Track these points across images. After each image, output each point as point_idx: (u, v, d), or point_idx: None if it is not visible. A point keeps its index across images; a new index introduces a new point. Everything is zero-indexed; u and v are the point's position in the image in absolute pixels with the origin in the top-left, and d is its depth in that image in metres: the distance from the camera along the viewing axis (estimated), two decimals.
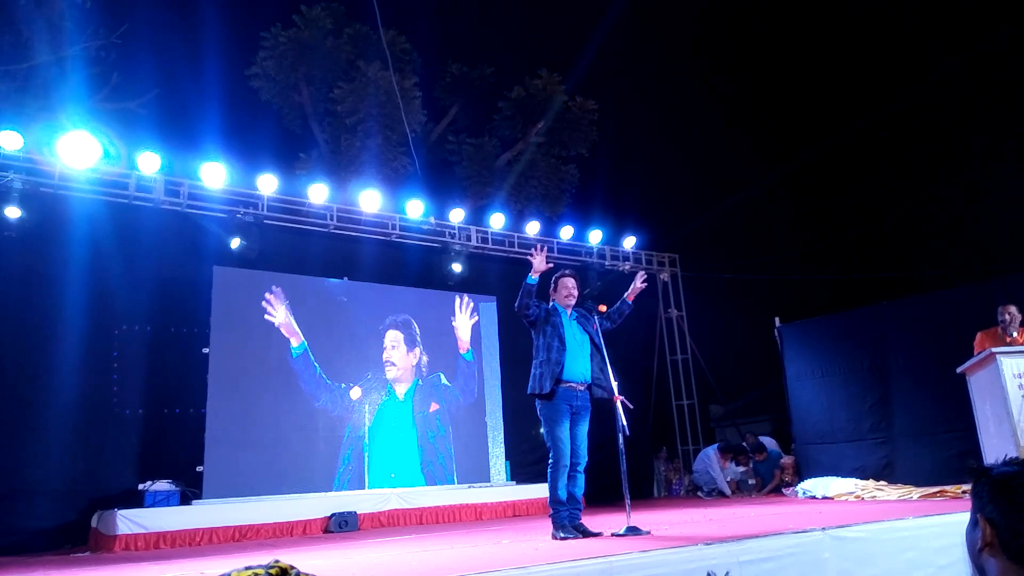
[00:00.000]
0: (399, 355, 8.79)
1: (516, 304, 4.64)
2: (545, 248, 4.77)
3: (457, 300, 9.37)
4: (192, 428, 7.45)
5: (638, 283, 4.91)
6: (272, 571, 2.46)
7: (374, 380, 8.54)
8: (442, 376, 9.03)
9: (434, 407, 8.82)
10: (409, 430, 8.59)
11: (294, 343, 8.14)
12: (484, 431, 9.18)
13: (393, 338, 8.81)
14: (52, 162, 7.49)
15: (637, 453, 10.15)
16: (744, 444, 10.32)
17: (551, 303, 4.80)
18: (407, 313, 8.99)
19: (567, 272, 4.88)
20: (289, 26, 11.56)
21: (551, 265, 4.78)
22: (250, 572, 2.45)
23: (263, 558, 2.64)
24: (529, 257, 4.67)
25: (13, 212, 7.10)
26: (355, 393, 8.34)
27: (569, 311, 4.76)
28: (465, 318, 9.35)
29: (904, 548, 3.65)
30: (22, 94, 9.16)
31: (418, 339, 8.98)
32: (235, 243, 8.19)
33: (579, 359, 4.60)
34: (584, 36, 15.70)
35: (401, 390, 8.69)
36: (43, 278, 7.15)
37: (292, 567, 2.52)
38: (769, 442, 10.25)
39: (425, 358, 8.97)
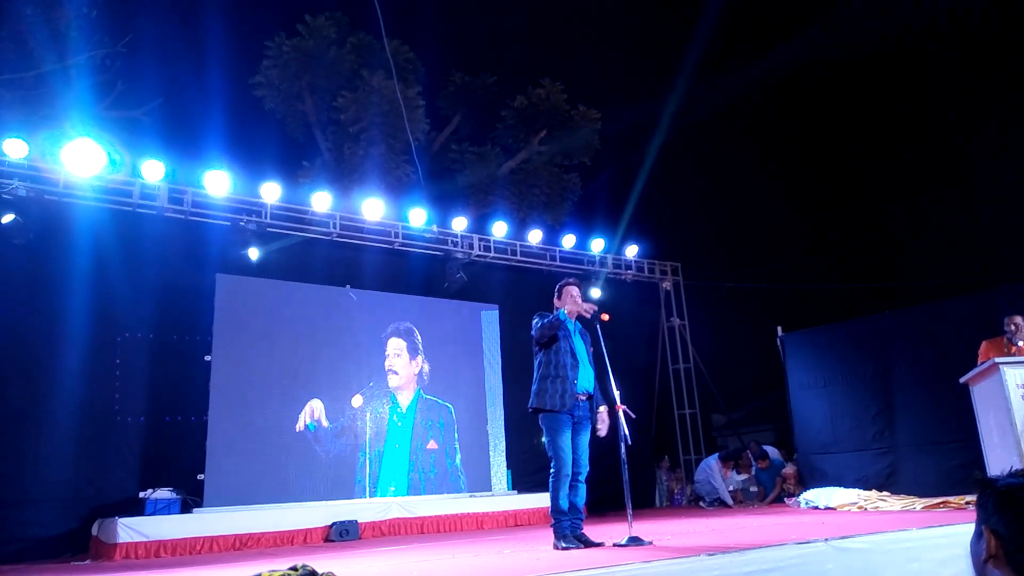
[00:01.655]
0: (402, 364, 8.78)
1: (538, 333, 4.57)
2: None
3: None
4: (194, 436, 7.45)
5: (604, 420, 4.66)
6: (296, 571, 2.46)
7: (376, 389, 8.53)
8: (446, 405, 8.99)
9: (432, 445, 8.73)
10: (410, 443, 8.56)
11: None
12: (485, 440, 9.17)
13: (396, 346, 8.81)
14: (56, 170, 7.52)
15: (639, 463, 10.13)
16: (747, 451, 10.29)
17: (556, 311, 4.77)
18: (409, 321, 8.99)
19: (571, 280, 4.84)
20: (293, 35, 11.63)
21: (592, 309, 4.67)
22: (279, 574, 2.46)
23: (282, 563, 2.64)
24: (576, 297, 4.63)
25: (17, 220, 7.12)
26: (356, 401, 8.34)
27: (574, 322, 4.74)
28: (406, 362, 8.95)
29: (908, 559, 3.63)
30: (27, 102, 9.21)
31: (420, 347, 8.97)
32: (253, 253, 8.20)
33: (582, 370, 4.59)
34: (586, 45, 15.77)
35: (404, 400, 8.67)
36: (46, 285, 7.17)
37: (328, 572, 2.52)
38: (771, 451, 10.21)
39: (427, 367, 8.96)
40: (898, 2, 13.11)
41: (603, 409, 4.62)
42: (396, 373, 8.71)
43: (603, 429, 4.60)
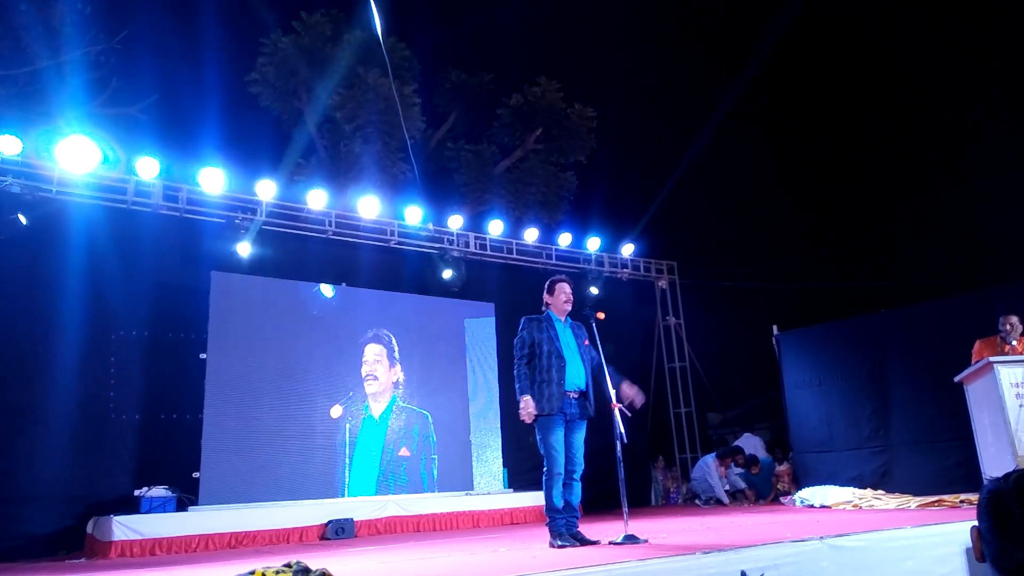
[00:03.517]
0: (382, 370, 8.64)
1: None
2: None
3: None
4: (189, 434, 7.42)
5: (627, 403, 4.54)
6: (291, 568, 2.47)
7: (356, 397, 8.37)
8: (423, 412, 8.86)
9: (404, 452, 8.54)
10: (382, 450, 8.37)
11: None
12: (468, 441, 9.01)
13: (376, 352, 8.65)
14: (51, 167, 7.49)
15: (635, 461, 10.13)
16: (740, 445, 10.28)
17: (545, 311, 4.69)
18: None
19: (562, 277, 4.78)
20: (289, 32, 11.59)
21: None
22: (272, 571, 2.46)
23: (276, 561, 2.64)
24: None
25: (9, 217, 7.08)
26: (335, 412, 8.17)
27: (564, 319, 4.67)
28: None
29: (903, 557, 3.64)
30: (21, 99, 9.17)
31: (396, 356, 8.80)
32: (246, 250, 8.15)
33: (574, 367, 4.52)
34: (583, 44, 15.76)
35: (379, 407, 8.49)
36: (41, 283, 7.13)
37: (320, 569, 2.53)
38: (752, 439, 10.24)
39: (402, 376, 8.79)
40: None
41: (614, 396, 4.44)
42: (376, 379, 8.57)
43: (636, 399, 4.53)
